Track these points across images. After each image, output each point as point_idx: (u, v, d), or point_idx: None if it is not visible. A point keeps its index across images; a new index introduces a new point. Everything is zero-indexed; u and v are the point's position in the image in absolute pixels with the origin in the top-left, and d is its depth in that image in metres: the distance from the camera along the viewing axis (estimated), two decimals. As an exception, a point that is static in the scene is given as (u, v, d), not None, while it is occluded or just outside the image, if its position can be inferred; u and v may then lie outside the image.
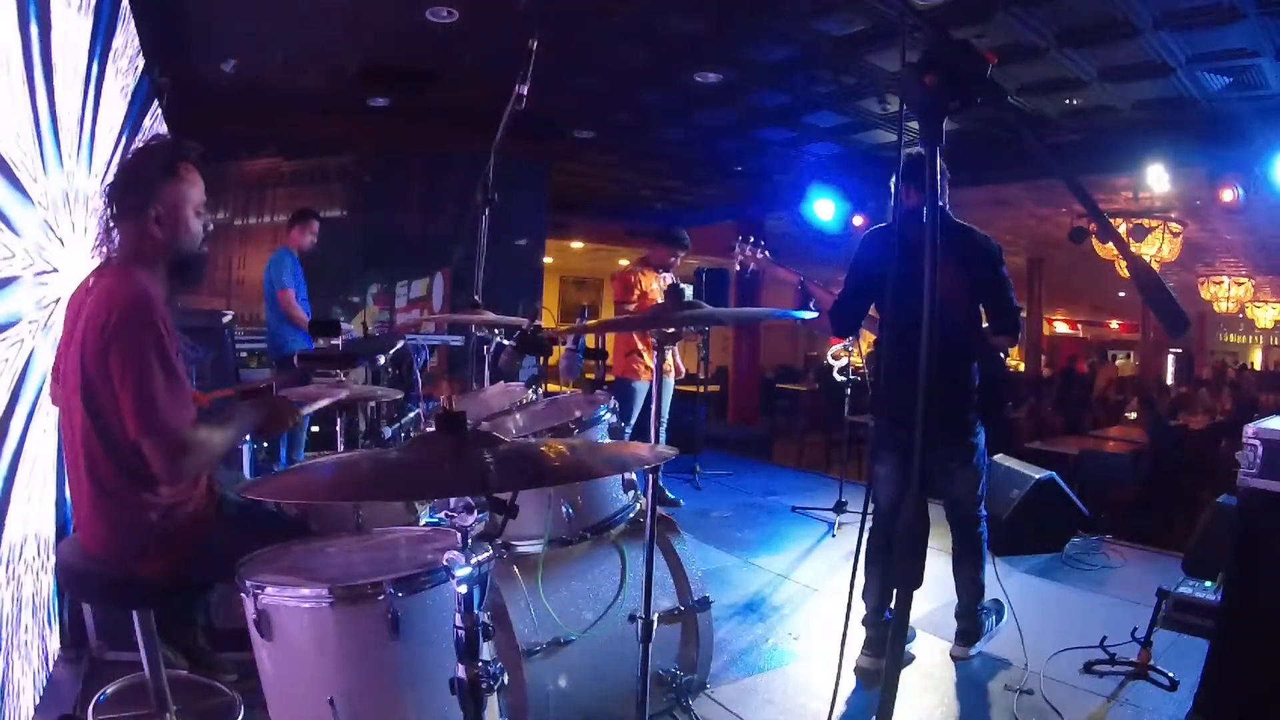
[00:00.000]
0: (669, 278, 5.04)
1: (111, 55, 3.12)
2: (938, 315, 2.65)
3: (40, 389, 2.09)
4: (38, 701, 2.19)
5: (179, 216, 1.80)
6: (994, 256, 2.73)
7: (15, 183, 1.86)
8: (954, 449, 2.79)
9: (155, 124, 4.90)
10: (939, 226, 1.10)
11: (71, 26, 2.40)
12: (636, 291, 4.89)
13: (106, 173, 2.99)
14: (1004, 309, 2.73)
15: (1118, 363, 17.95)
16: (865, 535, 2.45)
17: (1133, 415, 8.72)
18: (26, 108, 1.97)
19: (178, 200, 1.79)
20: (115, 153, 3.27)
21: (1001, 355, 2.85)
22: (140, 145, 1.97)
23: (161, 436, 1.62)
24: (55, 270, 2.25)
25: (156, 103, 4.78)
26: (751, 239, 3.82)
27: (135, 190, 1.77)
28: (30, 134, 2.03)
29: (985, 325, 2.80)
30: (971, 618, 2.97)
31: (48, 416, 2.17)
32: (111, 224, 1.79)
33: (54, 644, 2.45)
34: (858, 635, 2.90)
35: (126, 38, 3.45)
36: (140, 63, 3.84)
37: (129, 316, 1.63)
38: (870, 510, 2.74)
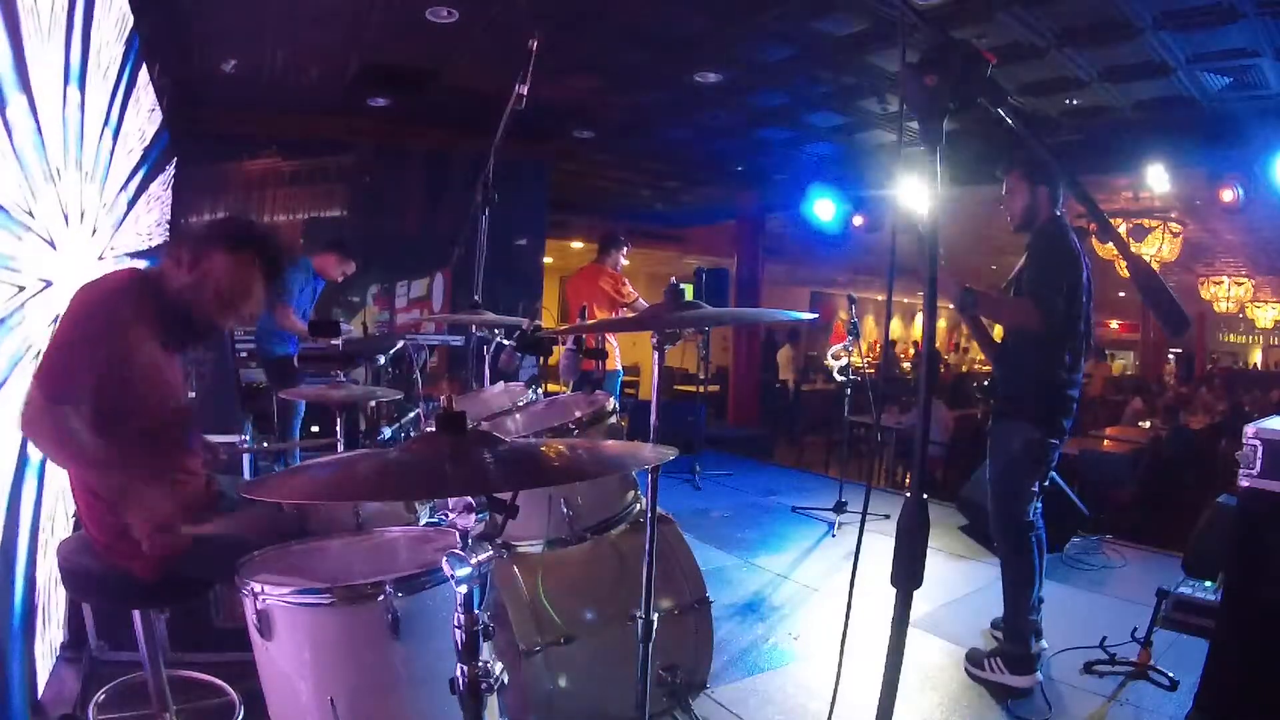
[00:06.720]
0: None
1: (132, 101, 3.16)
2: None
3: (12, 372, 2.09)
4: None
5: (212, 283, 1.83)
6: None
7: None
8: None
9: (169, 178, 4.98)
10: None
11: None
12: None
13: (128, 183, 3.05)
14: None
15: (1117, 363, 17.93)
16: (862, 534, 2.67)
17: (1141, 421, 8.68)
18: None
19: (220, 273, 1.84)
20: (134, 173, 3.28)
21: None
22: (232, 217, 2.14)
23: (39, 386, 1.67)
24: (53, 248, 2.27)
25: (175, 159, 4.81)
26: None
27: (195, 240, 1.87)
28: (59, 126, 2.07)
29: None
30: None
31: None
32: (169, 248, 1.91)
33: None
34: (858, 635, 2.89)
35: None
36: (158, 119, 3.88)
37: (81, 298, 1.74)
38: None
